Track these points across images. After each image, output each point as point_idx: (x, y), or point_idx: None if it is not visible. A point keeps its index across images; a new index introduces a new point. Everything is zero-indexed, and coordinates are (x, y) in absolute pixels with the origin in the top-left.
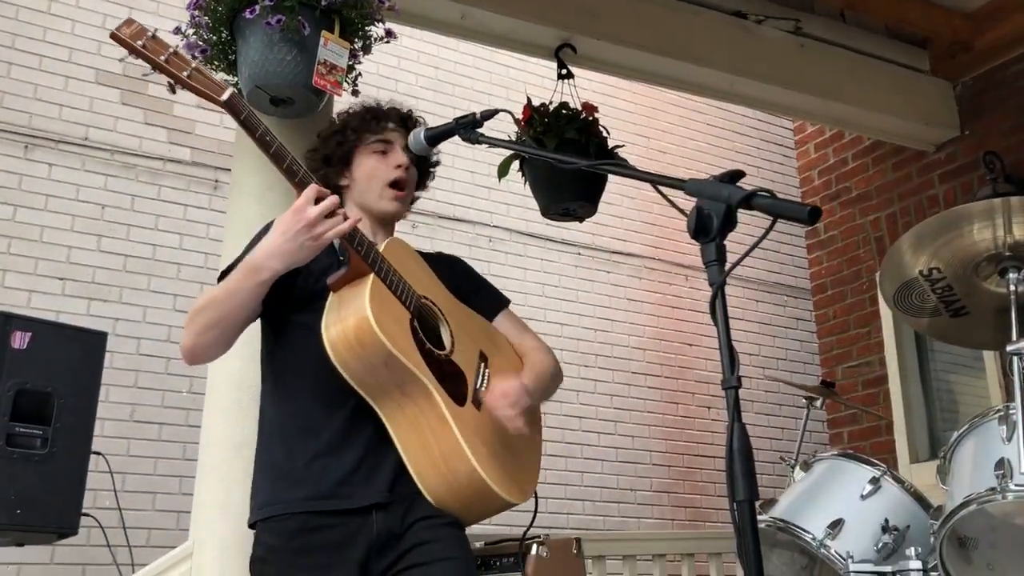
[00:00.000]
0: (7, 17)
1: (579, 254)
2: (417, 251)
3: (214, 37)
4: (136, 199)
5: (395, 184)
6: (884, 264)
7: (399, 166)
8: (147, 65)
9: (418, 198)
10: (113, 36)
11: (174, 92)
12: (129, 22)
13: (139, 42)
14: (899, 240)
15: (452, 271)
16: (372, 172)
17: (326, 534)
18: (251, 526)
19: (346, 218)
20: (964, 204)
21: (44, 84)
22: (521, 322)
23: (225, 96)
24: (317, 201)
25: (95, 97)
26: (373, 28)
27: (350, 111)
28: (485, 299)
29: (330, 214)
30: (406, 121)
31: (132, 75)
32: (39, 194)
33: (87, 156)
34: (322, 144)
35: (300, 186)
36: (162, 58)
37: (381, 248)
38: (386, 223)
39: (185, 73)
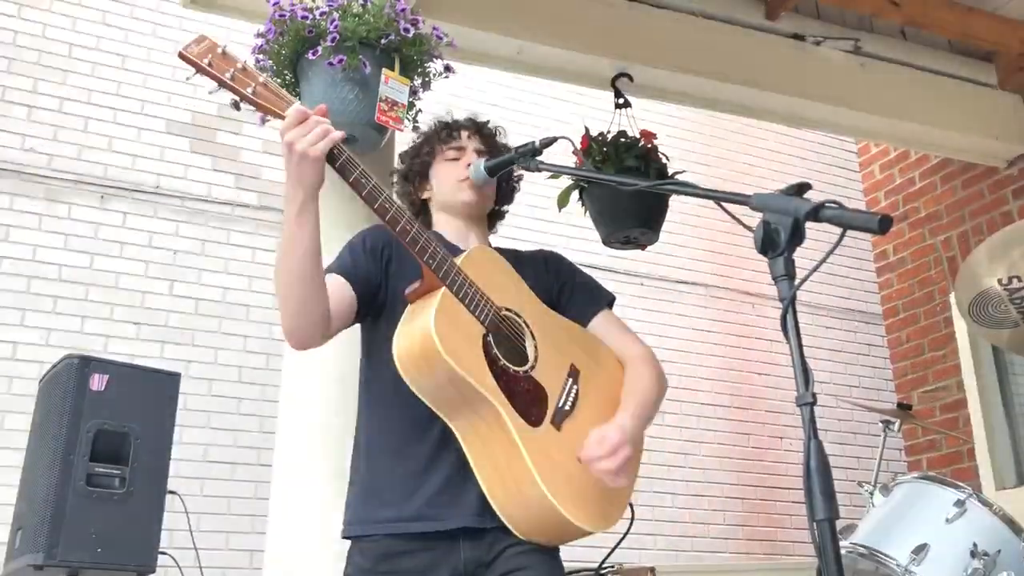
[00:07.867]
0: (83, 74)
1: (642, 284)
2: (512, 252)
3: (279, 80)
4: (206, 244)
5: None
6: (960, 274)
7: (470, 164)
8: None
9: (505, 211)
10: (181, 55)
11: (238, 109)
12: (199, 39)
13: (205, 60)
14: (976, 249)
15: (548, 272)
16: (446, 175)
17: (414, 558)
18: (344, 538)
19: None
20: None
21: (118, 136)
22: (620, 324)
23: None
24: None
25: (166, 147)
26: (432, 64)
27: (427, 128)
28: (581, 301)
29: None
30: (480, 128)
31: (201, 124)
32: (114, 242)
33: (159, 204)
34: (401, 162)
35: (382, 212)
36: (227, 75)
37: (461, 259)
38: (475, 219)
39: (249, 89)
